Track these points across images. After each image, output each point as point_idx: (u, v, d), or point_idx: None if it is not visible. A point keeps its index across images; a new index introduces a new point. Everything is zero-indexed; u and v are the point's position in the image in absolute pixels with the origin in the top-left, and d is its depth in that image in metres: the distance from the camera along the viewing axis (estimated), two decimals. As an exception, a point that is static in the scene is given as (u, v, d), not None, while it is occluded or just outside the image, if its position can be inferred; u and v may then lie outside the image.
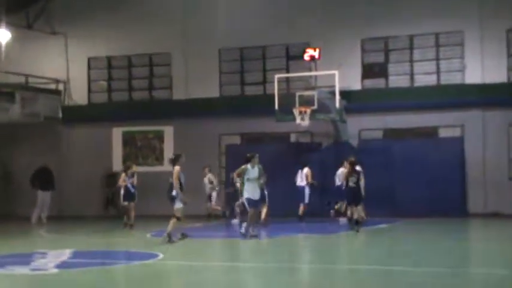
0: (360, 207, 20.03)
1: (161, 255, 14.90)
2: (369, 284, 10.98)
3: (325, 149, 26.99)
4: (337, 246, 17.84)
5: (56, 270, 13.20)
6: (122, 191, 22.58)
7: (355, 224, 19.48)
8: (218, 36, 28.30)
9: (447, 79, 26.76)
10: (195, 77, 28.71)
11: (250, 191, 18.23)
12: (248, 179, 18.30)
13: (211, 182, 25.51)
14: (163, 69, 29.90)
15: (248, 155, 18.54)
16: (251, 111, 27.04)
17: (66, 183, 28.60)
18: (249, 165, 18.28)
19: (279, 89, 25.56)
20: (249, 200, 18.27)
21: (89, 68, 30.60)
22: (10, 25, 27.43)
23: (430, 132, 26.93)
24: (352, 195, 19.88)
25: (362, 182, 20.10)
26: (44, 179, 25.97)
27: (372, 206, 21.74)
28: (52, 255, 15.29)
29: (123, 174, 22.74)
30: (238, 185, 21.09)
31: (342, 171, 21.82)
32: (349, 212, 20.64)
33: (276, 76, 26.05)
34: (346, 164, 20.85)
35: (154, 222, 23.46)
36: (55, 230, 21.54)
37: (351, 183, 19.73)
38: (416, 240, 17.87)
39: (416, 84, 27.16)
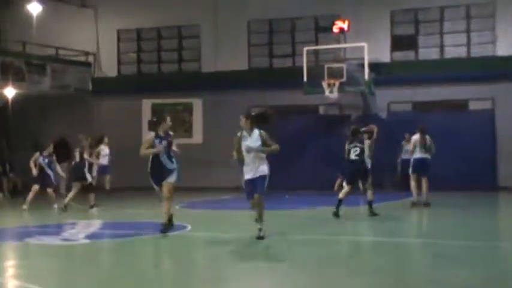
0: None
1: (189, 227, 14.92)
2: (406, 256, 10.94)
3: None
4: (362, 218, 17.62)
5: (86, 241, 13.42)
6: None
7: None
8: (247, 8, 28.19)
9: (478, 51, 26.40)
10: (224, 50, 28.60)
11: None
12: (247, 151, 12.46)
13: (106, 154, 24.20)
14: (192, 41, 29.83)
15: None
16: (280, 83, 26.89)
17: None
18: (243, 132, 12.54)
19: (307, 62, 25.42)
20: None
21: (119, 40, 30.65)
22: (40, -3, 27.47)
23: (460, 105, 26.62)
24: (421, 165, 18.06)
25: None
26: (61, 150, 25.96)
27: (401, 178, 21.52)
28: (81, 226, 15.47)
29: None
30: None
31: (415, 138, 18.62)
32: (413, 183, 18.37)
33: (305, 49, 25.90)
34: (407, 136, 19.87)
35: (182, 194, 23.49)
36: (84, 201, 21.57)
37: (352, 156, 16.87)
38: (447, 214, 17.61)
39: (447, 56, 26.83)
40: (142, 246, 13.12)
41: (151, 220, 16.80)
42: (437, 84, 26.00)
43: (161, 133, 13.47)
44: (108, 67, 30.48)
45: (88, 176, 19.57)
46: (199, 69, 29.52)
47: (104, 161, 23.56)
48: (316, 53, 27.32)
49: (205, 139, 28.90)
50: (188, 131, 29.10)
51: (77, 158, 19.64)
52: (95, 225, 15.71)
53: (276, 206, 18.07)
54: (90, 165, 20.22)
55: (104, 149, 23.62)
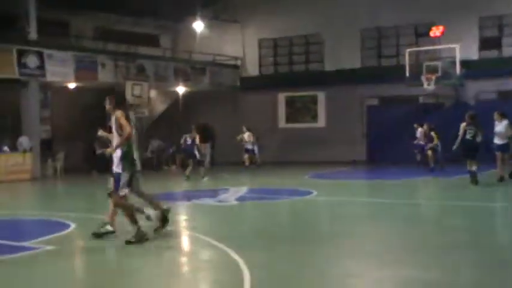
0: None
1: (315, 192, 15.15)
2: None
3: (447, 108, 26.22)
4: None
5: (235, 203, 13.66)
6: None
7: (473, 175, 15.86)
8: (359, 19, 27.97)
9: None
10: (342, 52, 28.56)
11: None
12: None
13: (249, 138, 23.62)
14: (317, 46, 29.92)
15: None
16: (387, 78, 26.58)
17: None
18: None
19: (409, 61, 25.03)
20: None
21: (260, 47, 31.12)
22: (202, 17, 28.31)
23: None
24: (468, 148, 16.03)
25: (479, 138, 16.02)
26: (204, 134, 26.65)
27: (487, 159, 20.66)
28: (232, 191, 15.71)
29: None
30: None
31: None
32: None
33: (407, 50, 25.48)
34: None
35: (309, 167, 23.83)
36: (235, 172, 22.24)
37: (467, 136, 15.88)
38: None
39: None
40: (278, 207, 13.49)
41: (287, 187, 17.27)
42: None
43: None
44: (252, 68, 31.05)
45: (197, 154, 19.95)
46: (323, 68, 29.61)
47: (248, 145, 23.56)
48: (416, 53, 26.82)
49: (327, 123, 29.05)
50: (314, 118, 29.36)
51: (188, 142, 20.09)
52: (243, 191, 16.03)
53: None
54: (198, 147, 20.26)
55: (245, 136, 23.58)
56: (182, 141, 20.74)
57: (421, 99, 27.51)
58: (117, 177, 8.61)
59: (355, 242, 8.92)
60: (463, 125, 15.58)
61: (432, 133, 21.14)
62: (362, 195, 15.14)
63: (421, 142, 21.75)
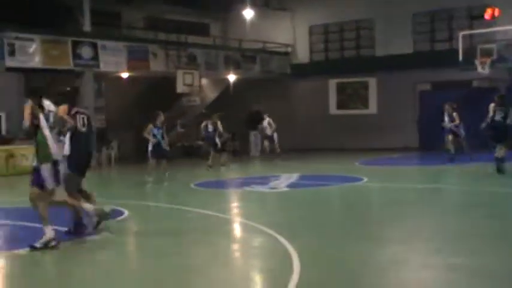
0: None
1: (366, 179, 15.15)
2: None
3: (502, 92, 25.55)
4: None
5: (286, 189, 13.77)
6: None
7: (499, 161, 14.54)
8: (411, 3, 27.51)
9: None
10: (393, 37, 28.17)
11: None
12: None
13: (270, 125, 23.09)
14: (368, 31, 29.60)
15: None
16: (439, 63, 26.10)
17: (295, 122, 29.51)
18: None
19: (463, 44, 24.51)
20: None
21: (310, 34, 31.01)
22: (252, 5, 28.35)
23: None
24: (497, 130, 14.52)
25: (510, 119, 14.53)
26: (255, 121, 26.77)
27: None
28: (284, 178, 15.86)
29: None
30: None
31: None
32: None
33: (461, 33, 24.93)
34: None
35: (360, 154, 23.74)
36: (287, 159, 22.32)
37: (497, 117, 14.40)
38: None
39: None
40: (328, 193, 13.57)
41: (337, 174, 17.28)
42: None
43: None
44: (302, 55, 30.96)
45: (218, 142, 19.77)
46: (374, 54, 29.32)
47: (268, 131, 23.07)
48: (470, 37, 26.24)
49: (378, 109, 28.78)
50: (365, 104, 29.10)
51: (210, 130, 19.91)
52: (294, 177, 16.14)
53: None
54: (220, 133, 20.05)
55: (265, 123, 23.20)
56: (203, 127, 20.34)
57: (475, 84, 26.95)
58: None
59: (404, 228, 8.96)
60: (492, 105, 14.52)
61: (455, 114, 19.39)
62: (413, 182, 15.02)
63: (454, 125, 19.46)
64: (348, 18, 29.60)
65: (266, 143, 23.39)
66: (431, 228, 8.80)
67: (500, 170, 14.30)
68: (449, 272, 6.36)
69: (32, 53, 20.57)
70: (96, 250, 8.03)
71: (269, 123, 23.14)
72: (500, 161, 14.35)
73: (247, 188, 14.20)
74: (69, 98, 9.21)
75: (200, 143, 26.38)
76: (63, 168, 8.11)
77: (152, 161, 15.97)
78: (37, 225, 8.08)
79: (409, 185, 14.38)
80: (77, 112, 9.03)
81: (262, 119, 23.83)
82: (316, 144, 27.94)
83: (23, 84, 22.43)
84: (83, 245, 8.23)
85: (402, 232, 8.66)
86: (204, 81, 27.97)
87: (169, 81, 24.62)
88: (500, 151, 14.33)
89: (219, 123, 20.08)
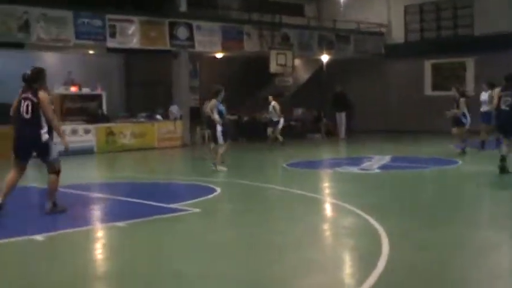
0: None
1: (460, 162, 14.84)
2: None
3: None
4: None
5: (378, 171, 13.72)
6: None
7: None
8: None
9: None
10: (493, 16, 27.02)
11: None
12: None
13: (274, 109, 20.17)
14: (466, 10, 28.56)
15: None
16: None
17: (388, 104, 29.10)
18: None
19: None
20: None
21: (405, 13, 30.32)
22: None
23: None
24: (502, 121, 12.22)
25: None
26: (340, 102, 26.53)
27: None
28: (376, 159, 15.80)
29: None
30: None
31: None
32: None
33: None
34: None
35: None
36: (380, 140, 22.11)
37: (503, 106, 12.07)
38: None
39: None
40: (420, 176, 13.32)
41: (431, 156, 16.96)
42: None
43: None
44: (397, 35, 30.33)
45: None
46: (472, 33, 28.32)
47: (274, 116, 20.18)
48: None
49: (476, 91, 27.77)
50: (462, 86, 28.19)
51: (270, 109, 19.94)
52: (386, 159, 16.00)
53: None
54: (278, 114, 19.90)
55: (271, 106, 20.27)
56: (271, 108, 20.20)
57: None
58: None
59: (497, 213, 8.77)
60: (497, 90, 12.37)
61: (462, 99, 16.98)
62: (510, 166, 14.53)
63: (487, 108, 17.13)
64: (446, -4, 28.73)
65: (269, 128, 20.42)
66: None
67: (503, 169, 12.03)
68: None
69: (132, 34, 21.30)
70: (191, 223, 8.33)
71: (274, 108, 20.18)
72: (504, 159, 12.03)
73: (339, 169, 14.25)
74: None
75: (293, 123, 26.54)
76: None
77: (224, 144, 14.39)
78: (135, 200, 8.45)
79: (490, 168, 13.91)
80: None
81: (347, 101, 23.30)
82: (410, 126, 27.41)
83: (123, 64, 23.31)
84: (177, 219, 8.55)
85: (495, 216, 8.51)
86: (297, 61, 28.02)
87: (262, 62, 24.84)
88: (505, 148, 12.05)
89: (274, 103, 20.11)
